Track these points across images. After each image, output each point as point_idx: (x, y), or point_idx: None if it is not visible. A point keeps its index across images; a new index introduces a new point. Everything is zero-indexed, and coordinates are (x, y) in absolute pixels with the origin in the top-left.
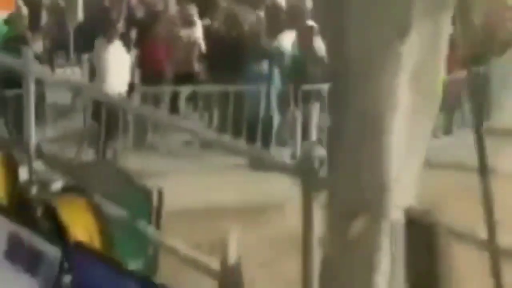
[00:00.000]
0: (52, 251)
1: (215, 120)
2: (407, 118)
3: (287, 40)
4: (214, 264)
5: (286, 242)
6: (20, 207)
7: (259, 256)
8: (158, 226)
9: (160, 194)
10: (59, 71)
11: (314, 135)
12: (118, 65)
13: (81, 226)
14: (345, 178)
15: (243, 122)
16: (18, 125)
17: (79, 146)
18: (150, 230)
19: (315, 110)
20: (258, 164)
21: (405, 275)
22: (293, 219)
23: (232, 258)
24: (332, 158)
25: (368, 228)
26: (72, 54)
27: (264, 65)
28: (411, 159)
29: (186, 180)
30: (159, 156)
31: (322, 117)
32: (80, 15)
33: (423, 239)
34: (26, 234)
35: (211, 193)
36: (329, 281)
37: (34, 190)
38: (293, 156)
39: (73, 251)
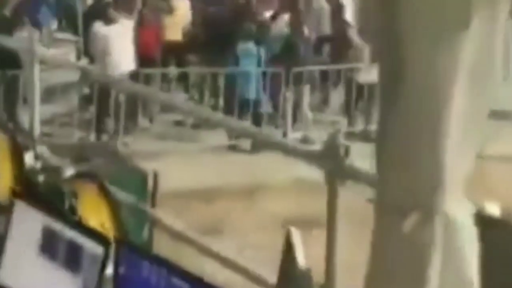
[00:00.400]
0: (92, 247)
1: (206, 100)
2: (464, 112)
3: (281, 21)
4: (211, 244)
5: (280, 224)
6: (30, 194)
7: (255, 238)
8: (153, 203)
9: (155, 177)
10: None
11: (307, 116)
12: (125, 45)
13: (94, 213)
14: (395, 174)
15: (231, 103)
16: (9, 107)
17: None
18: (147, 211)
19: (306, 91)
20: (269, 148)
21: (479, 279)
22: (287, 200)
23: (300, 261)
24: (381, 153)
25: (420, 225)
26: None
27: (250, 46)
28: (466, 152)
29: (177, 161)
30: (150, 137)
31: (312, 98)
32: None
33: (500, 241)
34: (61, 228)
35: (202, 174)
36: (378, 277)
37: (42, 176)
38: (284, 135)
39: (117, 247)
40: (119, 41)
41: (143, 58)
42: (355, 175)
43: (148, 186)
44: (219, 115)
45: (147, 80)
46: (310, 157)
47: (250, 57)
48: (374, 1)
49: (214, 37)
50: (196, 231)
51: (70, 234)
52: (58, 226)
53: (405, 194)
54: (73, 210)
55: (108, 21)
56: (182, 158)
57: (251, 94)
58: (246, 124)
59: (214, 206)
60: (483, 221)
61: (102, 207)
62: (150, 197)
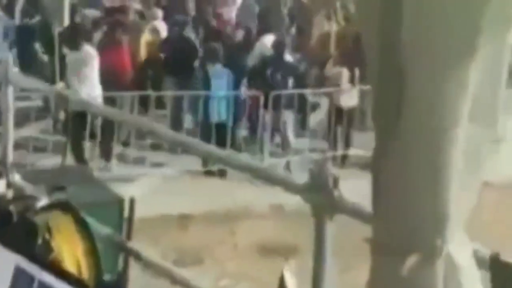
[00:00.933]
0: None
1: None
2: (468, 143)
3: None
4: (188, 273)
5: (257, 251)
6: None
7: (232, 267)
8: (129, 236)
9: (132, 203)
10: None
11: (291, 142)
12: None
13: (68, 248)
14: (393, 213)
15: (203, 126)
16: None
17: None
18: (122, 241)
19: (289, 116)
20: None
21: None
22: (264, 227)
23: None
24: (378, 190)
25: (420, 268)
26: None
27: (218, 68)
28: (470, 188)
29: (153, 186)
30: (126, 161)
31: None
32: (67, 19)
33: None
34: (34, 269)
35: (178, 200)
36: None
37: (14, 207)
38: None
39: None
40: (84, 69)
41: (116, 80)
42: (346, 209)
43: (125, 212)
44: (195, 141)
45: (122, 103)
46: (294, 190)
47: (219, 80)
48: (371, 27)
49: (182, 59)
50: (172, 259)
51: (44, 276)
52: (31, 268)
53: (404, 234)
54: (46, 245)
55: (74, 47)
56: (157, 183)
57: (222, 117)
58: (225, 152)
59: (190, 233)
60: (497, 266)
61: (77, 241)
62: (126, 225)
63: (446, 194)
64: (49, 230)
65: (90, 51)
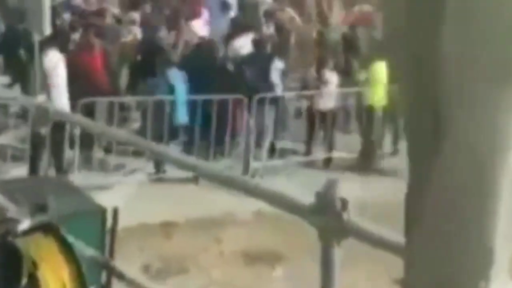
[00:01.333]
0: None
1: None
2: None
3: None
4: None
5: (243, 259)
6: None
7: (218, 274)
8: (112, 248)
9: (115, 213)
10: None
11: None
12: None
13: (54, 274)
14: (431, 249)
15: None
16: None
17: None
18: (105, 261)
19: (270, 117)
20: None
21: None
22: (248, 233)
23: None
24: (413, 221)
25: None
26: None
27: (174, 71)
28: None
29: (131, 193)
30: (107, 168)
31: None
32: (47, 27)
33: None
34: None
35: (160, 207)
36: None
37: None
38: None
39: None
40: (49, 75)
41: (89, 84)
42: (355, 233)
43: (107, 223)
44: (176, 153)
45: (100, 109)
46: (299, 212)
47: (178, 83)
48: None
49: (151, 62)
50: (157, 268)
51: None
52: None
53: (444, 276)
54: (32, 282)
55: (45, 53)
56: (135, 190)
57: (181, 121)
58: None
59: (173, 241)
60: None
61: (61, 264)
62: (109, 237)
63: (493, 227)
64: (33, 262)
65: (54, 55)
